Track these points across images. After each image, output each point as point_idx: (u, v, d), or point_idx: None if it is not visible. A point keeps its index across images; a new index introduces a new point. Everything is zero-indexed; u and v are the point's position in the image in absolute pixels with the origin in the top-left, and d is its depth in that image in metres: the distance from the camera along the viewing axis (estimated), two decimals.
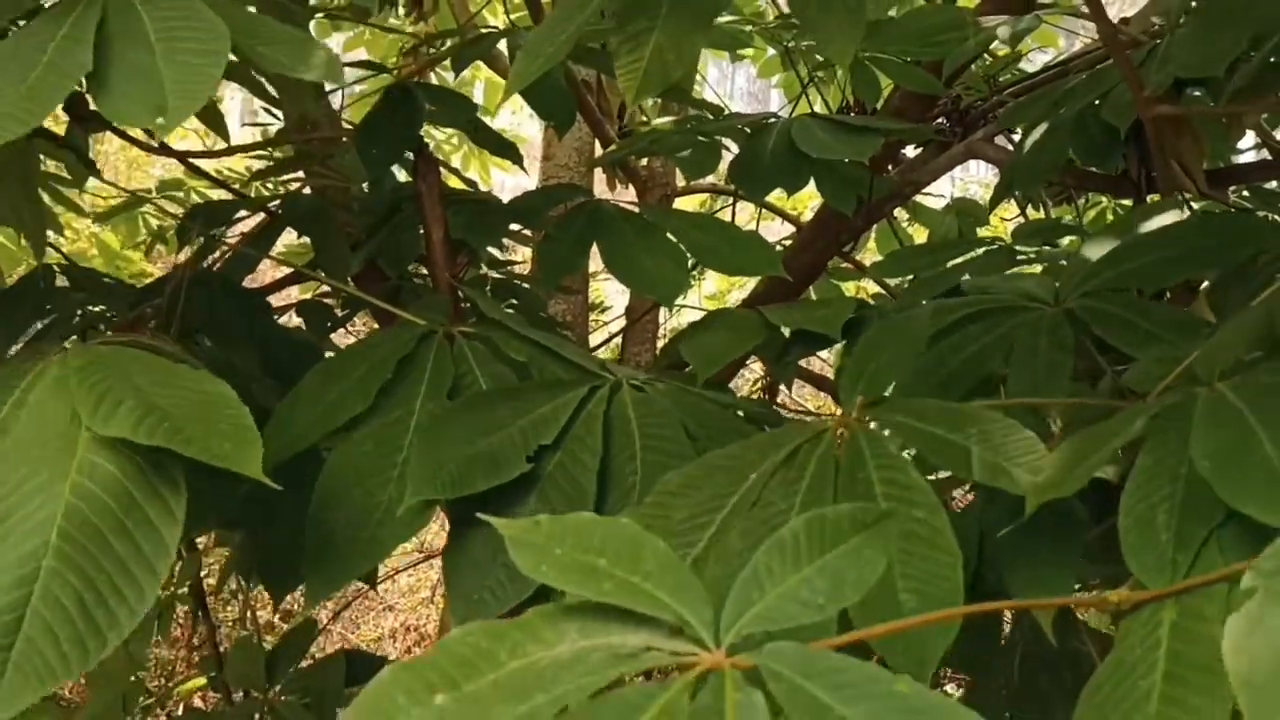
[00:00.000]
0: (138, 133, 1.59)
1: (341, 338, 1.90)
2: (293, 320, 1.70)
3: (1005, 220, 2.51)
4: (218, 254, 1.55)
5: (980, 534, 0.83)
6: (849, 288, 2.46)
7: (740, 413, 1.02)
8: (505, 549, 0.52)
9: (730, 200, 2.17)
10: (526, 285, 1.79)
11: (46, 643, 0.62)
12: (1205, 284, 1.17)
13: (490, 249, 1.82)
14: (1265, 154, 1.59)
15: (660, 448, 0.88)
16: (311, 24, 2.16)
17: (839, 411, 0.79)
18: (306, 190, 1.71)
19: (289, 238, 1.82)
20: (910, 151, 1.94)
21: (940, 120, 1.83)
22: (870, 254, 2.77)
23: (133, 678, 1.73)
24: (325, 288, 1.80)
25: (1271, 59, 1.14)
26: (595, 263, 1.40)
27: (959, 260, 1.31)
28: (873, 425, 0.74)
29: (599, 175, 2.52)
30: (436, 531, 3.68)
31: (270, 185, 2.12)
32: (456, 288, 1.20)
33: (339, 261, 1.50)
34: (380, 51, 3.12)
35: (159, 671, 3.14)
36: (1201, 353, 0.67)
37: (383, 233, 1.51)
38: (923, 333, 0.87)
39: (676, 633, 0.49)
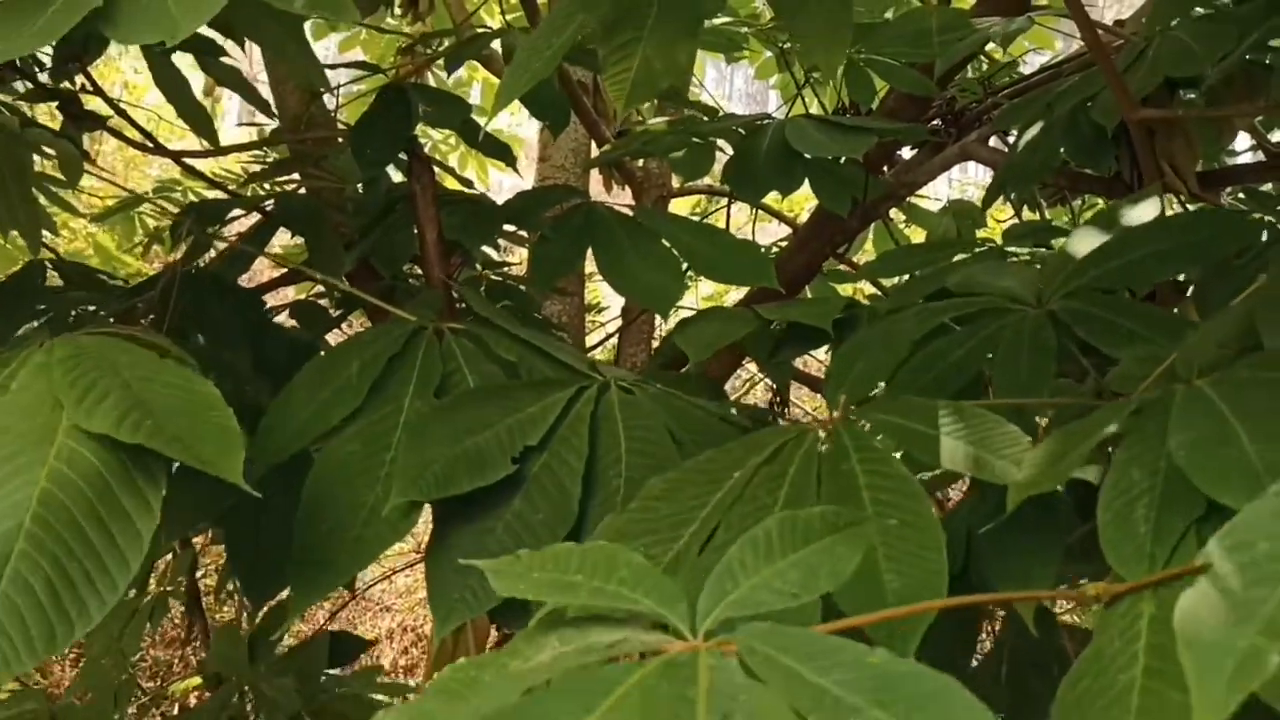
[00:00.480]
0: (134, 133, 1.60)
1: (335, 338, 1.90)
2: (287, 322, 1.70)
3: (1001, 222, 2.50)
4: (212, 252, 1.56)
5: (968, 534, 0.83)
6: (845, 289, 2.46)
7: (727, 416, 1.02)
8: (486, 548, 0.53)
9: (726, 201, 2.17)
10: (522, 287, 1.79)
11: (14, 627, 0.62)
12: (1192, 288, 1.17)
13: (486, 250, 1.83)
14: (1260, 155, 1.59)
15: (646, 451, 0.87)
16: (308, 25, 2.16)
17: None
18: (301, 190, 1.71)
19: (284, 239, 1.82)
20: (906, 153, 1.94)
21: (935, 122, 1.84)
22: (866, 255, 2.77)
23: (124, 675, 1.74)
24: (320, 289, 1.81)
25: (1247, 56, 1.14)
26: (591, 264, 1.40)
27: (950, 261, 1.31)
28: (859, 423, 0.74)
29: (595, 176, 2.52)
30: None
31: (266, 186, 2.13)
32: (450, 287, 1.20)
33: (333, 261, 1.50)
34: (376, 52, 3.12)
35: (154, 672, 3.14)
36: (1181, 351, 0.68)
37: (377, 233, 1.52)
38: (906, 337, 0.87)
39: (655, 628, 0.49)
